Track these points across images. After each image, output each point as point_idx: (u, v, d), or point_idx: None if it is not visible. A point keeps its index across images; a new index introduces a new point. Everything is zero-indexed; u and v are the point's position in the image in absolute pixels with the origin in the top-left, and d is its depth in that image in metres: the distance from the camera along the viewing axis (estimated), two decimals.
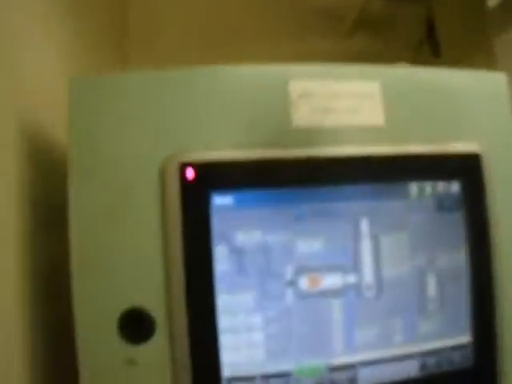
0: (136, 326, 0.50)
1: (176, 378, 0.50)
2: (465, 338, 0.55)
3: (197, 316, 0.50)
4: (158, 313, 0.51)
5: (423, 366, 0.54)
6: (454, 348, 0.55)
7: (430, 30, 0.97)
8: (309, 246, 0.52)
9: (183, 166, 0.51)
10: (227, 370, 0.50)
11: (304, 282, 0.52)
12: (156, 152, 0.52)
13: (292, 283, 0.52)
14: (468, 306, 0.55)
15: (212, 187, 0.51)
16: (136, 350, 0.50)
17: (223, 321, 0.50)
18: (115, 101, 0.53)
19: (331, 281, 0.52)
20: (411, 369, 0.54)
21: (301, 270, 0.52)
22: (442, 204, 0.56)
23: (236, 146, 0.53)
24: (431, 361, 0.54)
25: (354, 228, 0.53)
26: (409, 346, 0.54)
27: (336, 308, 0.52)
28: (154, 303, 0.51)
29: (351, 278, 0.53)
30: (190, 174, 0.51)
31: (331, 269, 0.52)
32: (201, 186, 0.51)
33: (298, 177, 0.52)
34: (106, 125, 0.52)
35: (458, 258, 0.55)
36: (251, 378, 0.51)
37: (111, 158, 0.52)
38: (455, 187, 0.56)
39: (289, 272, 0.52)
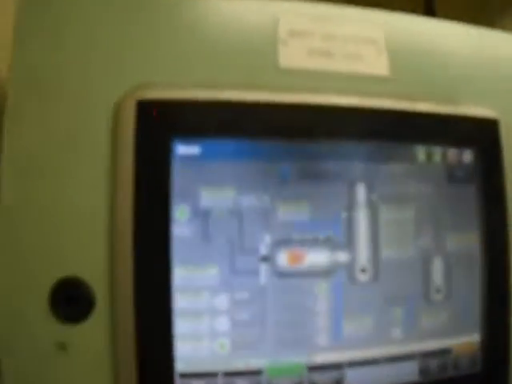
0: (71, 301, 0.40)
1: (117, 371, 0.39)
2: (474, 336, 0.46)
3: (146, 293, 0.39)
4: (98, 286, 0.40)
5: (424, 369, 0.44)
6: (461, 348, 0.45)
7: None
8: (291, 213, 0.42)
9: (142, 105, 0.41)
10: (181, 364, 0.40)
11: (283, 258, 0.42)
12: (112, 87, 0.41)
13: (268, 258, 0.41)
14: (480, 298, 0.46)
15: (175, 133, 0.41)
16: (70, 332, 0.40)
17: (179, 301, 0.39)
18: (68, 25, 0.42)
19: (317, 258, 0.42)
20: (409, 372, 0.44)
21: (280, 243, 0.42)
22: (452, 174, 0.46)
23: (210, 84, 0.43)
24: (433, 363, 0.44)
25: (348, 194, 0.43)
26: (408, 344, 0.44)
27: (321, 292, 0.42)
28: (94, 273, 0.40)
29: (342, 256, 0.43)
30: (150, 115, 0.41)
31: (318, 243, 0.42)
32: (162, 131, 0.41)
33: (283, 126, 0.42)
34: (54, 54, 0.41)
35: (470, 240, 0.46)
36: (212, 375, 0.40)
37: (58, 94, 0.41)
38: (468, 156, 0.47)
39: (265, 244, 0.41)
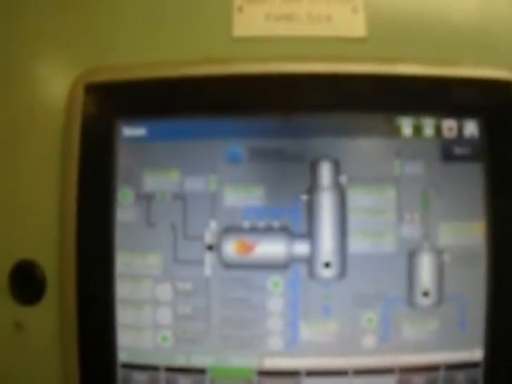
0: (26, 283, 0.40)
1: (64, 353, 0.39)
2: (475, 352, 0.36)
3: (88, 279, 0.38)
4: (50, 270, 0.40)
5: None
6: (456, 366, 0.37)
7: None
8: (242, 197, 0.37)
9: (89, 89, 0.40)
10: (123, 355, 0.38)
11: (230, 247, 0.37)
12: (67, 72, 0.42)
13: (213, 247, 0.38)
14: (485, 304, 0.36)
15: (121, 114, 0.39)
16: (25, 312, 0.40)
17: (122, 288, 0.38)
18: (27, 10, 0.43)
19: (270, 249, 0.37)
20: None
21: (227, 230, 0.37)
22: (450, 151, 0.38)
23: (161, 63, 0.40)
24: (417, 381, 0.36)
25: (310, 175, 0.38)
26: (384, 356, 0.37)
27: (274, 288, 0.37)
28: (47, 257, 0.40)
29: (301, 248, 0.37)
30: (97, 98, 0.40)
31: (271, 232, 0.37)
32: (107, 113, 0.39)
33: (234, 101, 0.38)
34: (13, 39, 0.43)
35: (472, 233, 0.37)
36: (154, 369, 0.38)
37: (14, 79, 0.42)
38: (472, 127, 0.38)
39: (210, 231, 0.38)
